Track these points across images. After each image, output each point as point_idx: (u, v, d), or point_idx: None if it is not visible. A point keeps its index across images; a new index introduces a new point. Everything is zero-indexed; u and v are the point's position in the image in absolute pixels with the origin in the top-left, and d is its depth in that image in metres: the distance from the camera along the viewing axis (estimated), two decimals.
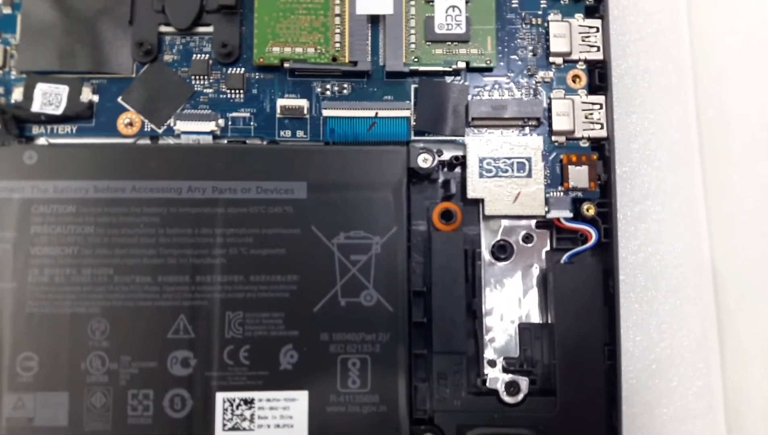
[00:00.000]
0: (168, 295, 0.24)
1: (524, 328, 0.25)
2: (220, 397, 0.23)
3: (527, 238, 0.26)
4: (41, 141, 0.25)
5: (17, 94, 0.25)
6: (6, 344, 0.23)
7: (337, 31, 0.25)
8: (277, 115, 0.25)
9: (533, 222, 0.25)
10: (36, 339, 0.23)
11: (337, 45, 0.25)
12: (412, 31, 0.25)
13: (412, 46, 0.25)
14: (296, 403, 0.23)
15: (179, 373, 0.23)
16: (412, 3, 0.26)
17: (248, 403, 0.23)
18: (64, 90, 0.25)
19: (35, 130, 0.25)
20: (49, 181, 0.24)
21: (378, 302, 0.24)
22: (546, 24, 0.26)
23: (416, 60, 0.25)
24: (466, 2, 0.26)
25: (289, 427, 0.23)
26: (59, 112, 0.24)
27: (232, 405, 0.23)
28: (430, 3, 0.26)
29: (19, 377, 0.23)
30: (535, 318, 0.25)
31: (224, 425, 0.23)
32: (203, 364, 0.23)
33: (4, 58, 0.25)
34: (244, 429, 0.23)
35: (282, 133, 0.25)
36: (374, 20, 0.26)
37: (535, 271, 0.25)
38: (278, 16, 0.25)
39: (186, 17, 0.25)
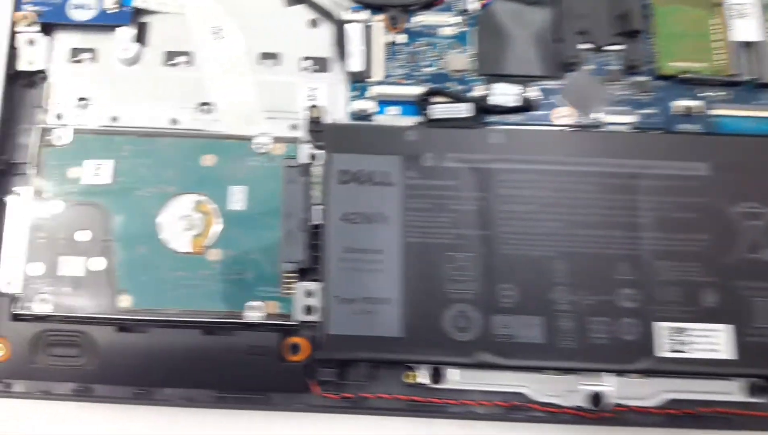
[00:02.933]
0: (612, 245, 0.32)
1: None
2: (659, 325, 0.31)
3: None
4: (497, 127, 0.34)
5: (478, 91, 0.35)
6: (490, 278, 0.31)
7: (719, 52, 0.35)
8: (675, 113, 0.35)
9: None
10: (512, 274, 0.32)
11: (719, 62, 0.35)
12: None
13: None
14: (720, 333, 0.31)
15: (626, 306, 0.31)
16: None
17: (682, 331, 0.31)
18: (515, 88, 0.35)
19: (492, 118, 0.35)
20: (512, 155, 0.33)
21: None
22: None
23: None
24: None
25: (715, 351, 0.31)
26: (514, 104, 0.34)
27: (669, 332, 0.31)
28: None
29: (502, 303, 0.31)
30: None
31: (663, 348, 0.31)
32: (644, 299, 0.31)
33: (465, 64, 0.35)
34: (681, 351, 0.31)
35: (679, 126, 0.35)
36: (747, 43, 0.35)
37: None
38: (674, 39, 0.36)
39: (602, 38, 0.35)
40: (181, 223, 0.33)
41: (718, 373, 0.31)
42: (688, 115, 0.35)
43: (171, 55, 0.36)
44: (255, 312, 0.32)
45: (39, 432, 0.35)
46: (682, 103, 0.35)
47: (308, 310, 0.33)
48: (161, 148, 0.34)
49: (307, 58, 0.36)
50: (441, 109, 0.34)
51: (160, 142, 0.34)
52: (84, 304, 0.33)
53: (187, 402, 0.33)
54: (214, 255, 0.33)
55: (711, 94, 0.35)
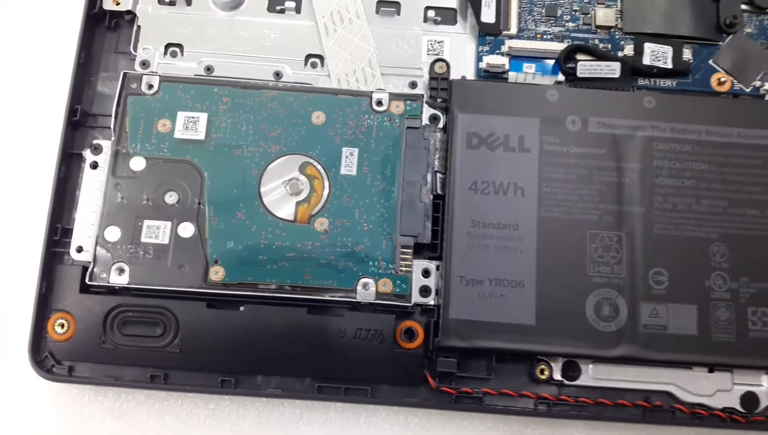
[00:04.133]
0: None
1: None
2: None
3: None
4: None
5: (627, 50, 0.34)
6: (640, 260, 0.31)
7: None
8: None
9: None
10: (664, 257, 0.31)
11: None
12: None
13: None
14: None
15: None
16: None
17: None
18: (668, 49, 0.34)
19: (641, 81, 0.34)
20: (666, 123, 0.32)
21: None
22: None
23: None
24: None
25: None
26: (668, 66, 0.33)
27: None
28: None
29: (652, 290, 0.30)
30: None
31: None
32: None
33: (614, 20, 0.35)
34: None
35: None
36: None
37: None
38: None
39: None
40: (285, 187, 0.32)
41: None
42: None
43: (277, 1, 0.35)
44: (366, 290, 0.31)
45: (104, 425, 0.32)
46: None
47: (425, 291, 0.31)
48: (264, 102, 0.33)
49: (431, 8, 0.35)
50: (588, 67, 0.33)
51: (264, 96, 0.33)
52: (168, 276, 0.31)
53: (282, 392, 0.31)
54: (321, 224, 0.32)
55: None
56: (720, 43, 0.35)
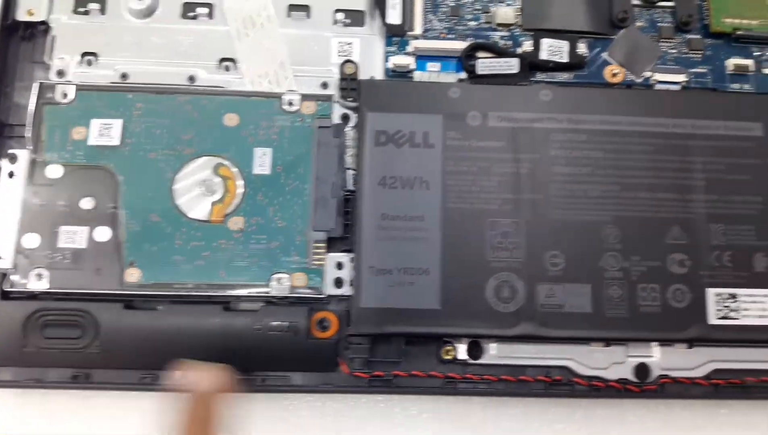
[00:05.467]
0: (663, 208, 0.35)
1: None
2: (711, 291, 0.34)
3: None
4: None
5: (526, 46, 0.37)
6: (537, 245, 0.34)
7: None
8: (728, 71, 0.38)
9: None
10: (560, 240, 0.34)
11: None
12: None
13: None
14: None
15: (678, 271, 0.34)
16: None
17: (734, 297, 0.34)
18: (564, 44, 0.37)
19: (539, 75, 0.37)
20: (563, 114, 0.36)
21: None
22: None
23: None
24: None
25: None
26: (563, 60, 0.37)
27: (721, 298, 0.34)
28: None
29: (549, 271, 0.34)
30: None
31: (716, 314, 0.33)
32: (696, 264, 0.34)
33: (512, 17, 0.38)
34: (733, 318, 0.33)
35: (731, 85, 0.38)
36: None
37: None
38: None
39: None
40: (199, 188, 0.35)
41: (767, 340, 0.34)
42: (741, 74, 0.38)
43: (190, 7, 0.38)
44: (281, 285, 0.34)
45: (29, 426, 0.34)
46: (735, 62, 0.38)
47: (338, 282, 0.34)
48: (178, 107, 0.35)
49: (340, 11, 0.38)
50: (487, 64, 0.36)
51: (177, 100, 0.35)
52: (86, 280, 0.33)
53: None
54: (236, 223, 0.34)
55: (765, 52, 0.39)
56: (613, 36, 0.38)
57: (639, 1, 0.39)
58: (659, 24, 0.39)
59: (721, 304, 0.34)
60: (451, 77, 0.37)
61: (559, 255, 0.34)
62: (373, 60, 0.37)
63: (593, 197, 0.35)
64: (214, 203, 0.34)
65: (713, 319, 0.33)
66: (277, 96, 0.36)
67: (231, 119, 0.35)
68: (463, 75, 0.37)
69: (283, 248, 0.34)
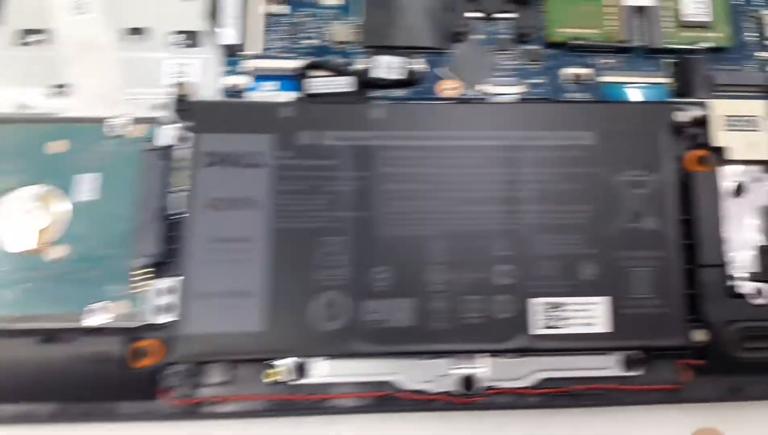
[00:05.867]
0: (490, 220, 0.35)
1: (764, 249, 0.36)
2: (535, 301, 0.35)
3: (758, 179, 0.38)
4: (381, 101, 0.37)
5: (362, 64, 0.38)
6: (363, 261, 0.34)
7: (610, 17, 0.40)
8: (563, 81, 0.39)
9: (763, 166, 0.37)
10: (387, 256, 0.35)
11: (611, 28, 0.39)
12: (667, 18, 0.40)
13: (667, 29, 0.40)
14: (596, 306, 0.35)
15: (502, 282, 0.35)
16: None
17: (558, 306, 0.35)
18: (400, 61, 0.38)
19: (376, 92, 0.38)
20: (396, 131, 0.36)
21: (656, 227, 0.36)
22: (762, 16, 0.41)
23: (670, 40, 0.39)
24: None
25: (592, 325, 0.35)
26: (398, 78, 0.37)
27: (545, 308, 0.35)
28: None
29: (374, 287, 0.34)
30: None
31: (540, 324, 0.34)
32: (521, 275, 0.35)
33: (349, 36, 0.39)
34: (557, 327, 0.34)
35: (567, 95, 0.39)
36: (638, 9, 0.40)
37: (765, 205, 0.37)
38: (565, 5, 0.40)
39: (492, 6, 0.39)
40: (21, 219, 0.35)
41: (593, 347, 0.35)
42: (577, 83, 0.39)
43: (26, 34, 0.38)
44: (98, 314, 0.34)
45: None
46: (571, 71, 0.39)
47: (164, 309, 0.34)
48: (5, 136, 0.35)
49: (177, 32, 0.39)
50: (319, 83, 0.37)
51: (4, 129, 0.36)
52: None
53: (22, 418, 0.33)
54: (59, 252, 0.34)
55: (601, 61, 0.40)
56: (450, 51, 0.39)
57: (477, 14, 0.40)
58: (498, 36, 0.40)
59: (546, 314, 0.35)
60: (288, 96, 0.38)
61: (386, 271, 0.35)
62: (210, 80, 0.38)
63: (423, 213, 0.35)
64: (37, 232, 0.34)
65: (538, 329, 0.34)
66: (108, 120, 0.36)
67: (58, 146, 0.36)
68: (300, 94, 0.38)
69: (107, 276, 0.34)
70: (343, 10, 0.40)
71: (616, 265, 0.35)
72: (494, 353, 0.35)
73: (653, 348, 0.35)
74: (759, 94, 0.40)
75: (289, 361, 0.34)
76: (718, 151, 0.38)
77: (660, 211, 0.36)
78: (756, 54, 0.41)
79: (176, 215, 0.35)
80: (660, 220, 0.36)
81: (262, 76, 0.38)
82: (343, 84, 0.37)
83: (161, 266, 0.35)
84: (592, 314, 0.35)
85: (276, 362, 0.34)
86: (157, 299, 0.34)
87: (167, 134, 0.36)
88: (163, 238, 0.35)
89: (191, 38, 0.38)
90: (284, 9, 0.39)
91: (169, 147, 0.36)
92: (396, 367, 0.35)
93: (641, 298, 0.35)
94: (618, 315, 0.35)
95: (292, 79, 0.38)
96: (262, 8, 0.39)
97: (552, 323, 0.35)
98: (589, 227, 0.36)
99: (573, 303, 0.35)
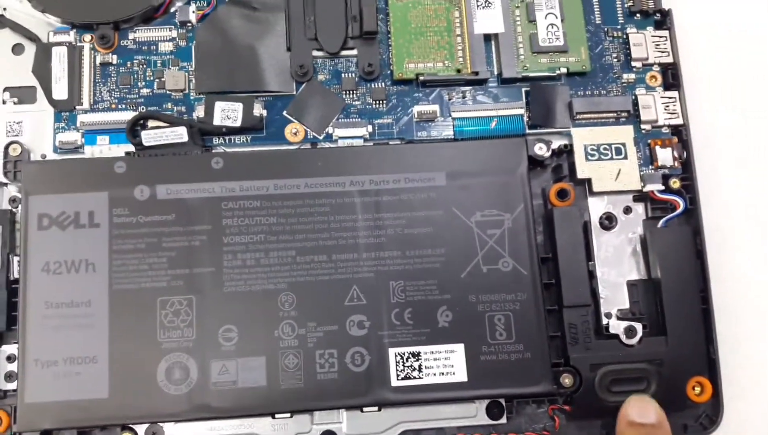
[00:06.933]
0: (342, 269, 0.35)
1: (632, 284, 0.37)
2: (392, 352, 0.34)
3: (627, 210, 0.38)
4: (221, 150, 0.36)
5: (199, 112, 0.37)
6: (209, 320, 0.34)
7: (460, 48, 0.39)
8: (414, 119, 0.38)
9: (631, 196, 0.38)
10: (234, 313, 0.34)
11: (460, 59, 0.39)
12: (521, 45, 0.39)
13: (521, 57, 0.39)
14: (455, 354, 0.35)
15: (357, 334, 0.34)
16: (519, 22, 0.39)
17: (416, 356, 0.34)
18: (239, 106, 0.37)
19: (215, 140, 0.37)
20: (235, 181, 0.36)
21: (514, 268, 0.35)
22: (625, 35, 0.40)
23: (525, 68, 0.38)
24: (561, 20, 0.39)
25: (451, 374, 0.34)
26: (237, 124, 0.36)
27: (402, 358, 0.34)
28: (533, 21, 0.39)
29: (222, 347, 0.34)
30: (639, 275, 0.37)
31: (398, 375, 0.34)
32: (376, 325, 0.35)
33: (184, 82, 0.38)
34: (415, 377, 0.34)
35: (418, 133, 0.38)
36: (489, 38, 0.39)
37: (635, 236, 0.37)
38: (411, 39, 0.39)
39: (335, 43, 0.38)
40: None
41: (452, 398, 0.34)
42: (427, 121, 0.38)
43: None
44: None
45: None
46: (420, 108, 0.38)
47: (11, 377, 0.34)
48: None
49: (9, 88, 0.38)
50: (153, 135, 0.36)
51: None
52: None
53: None
54: None
55: (453, 94, 0.38)
56: (293, 93, 0.38)
57: (320, 52, 0.38)
58: (342, 74, 0.39)
59: (403, 364, 0.34)
60: (122, 150, 0.37)
61: (233, 329, 0.34)
62: (44, 137, 0.37)
63: (268, 265, 0.35)
64: None
65: (395, 381, 0.34)
66: None
67: None
68: (136, 147, 0.37)
69: None
70: (179, 55, 0.38)
71: (472, 310, 0.35)
72: (350, 408, 0.34)
73: (515, 396, 0.35)
74: (623, 119, 0.39)
75: (142, 427, 0.34)
76: (584, 182, 0.38)
77: (517, 252, 0.35)
78: (621, 76, 0.39)
79: (17, 281, 0.35)
80: (517, 261, 0.35)
81: (92, 131, 0.37)
82: (175, 135, 0.36)
83: (8, 333, 0.34)
84: (450, 362, 0.34)
85: (128, 428, 0.34)
86: (7, 366, 0.34)
87: (9, 196, 0.36)
88: (5, 304, 0.34)
89: (24, 94, 0.37)
90: (116, 58, 0.37)
91: (9, 210, 0.35)
92: (253, 426, 0.34)
93: (501, 343, 0.34)
94: (478, 362, 0.34)
95: (123, 132, 0.36)
96: (94, 59, 0.37)
97: (409, 373, 0.34)
98: (443, 272, 0.35)
99: (431, 351, 0.34)
